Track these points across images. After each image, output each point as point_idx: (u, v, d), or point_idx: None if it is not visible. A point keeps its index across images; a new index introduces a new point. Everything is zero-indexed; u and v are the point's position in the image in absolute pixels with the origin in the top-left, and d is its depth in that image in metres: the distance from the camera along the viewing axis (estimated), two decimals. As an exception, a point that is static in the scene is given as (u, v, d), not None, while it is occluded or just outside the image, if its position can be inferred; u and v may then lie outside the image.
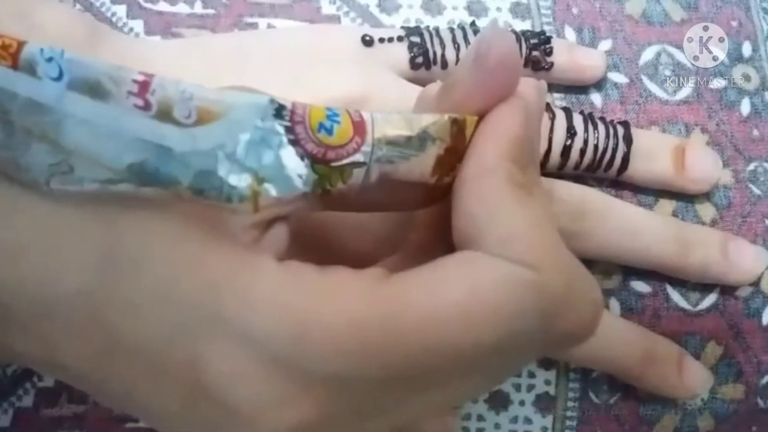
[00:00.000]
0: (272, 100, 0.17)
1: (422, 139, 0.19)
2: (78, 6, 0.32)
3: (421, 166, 0.19)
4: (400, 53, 0.31)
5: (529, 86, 0.20)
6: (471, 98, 0.20)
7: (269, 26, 0.33)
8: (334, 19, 0.33)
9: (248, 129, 0.16)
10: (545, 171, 0.31)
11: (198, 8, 0.33)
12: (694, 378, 0.30)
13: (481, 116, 0.20)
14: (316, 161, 0.17)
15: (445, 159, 0.19)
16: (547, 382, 0.31)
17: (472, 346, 0.17)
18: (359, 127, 0.18)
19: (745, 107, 0.34)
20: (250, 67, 0.29)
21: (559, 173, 0.31)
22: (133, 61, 0.28)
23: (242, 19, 0.33)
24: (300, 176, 0.17)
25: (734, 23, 0.35)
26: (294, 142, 0.17)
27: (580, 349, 0.29)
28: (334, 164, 0.18)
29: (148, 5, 0.32)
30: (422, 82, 0.31)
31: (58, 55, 0.15)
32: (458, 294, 0.17)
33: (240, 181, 0.17)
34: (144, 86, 0.16)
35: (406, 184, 0.19)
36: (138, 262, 0.17)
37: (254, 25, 0.33)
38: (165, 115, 0.16)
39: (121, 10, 0.32)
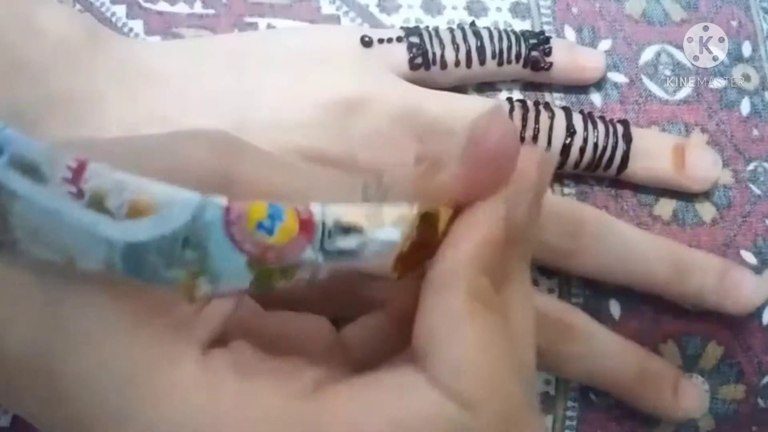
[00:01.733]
0: (205, 198, 0.16)
1: (382, 238, 0.18)
2: (78, 6, 0.32)
3: (381, 262, 0.18)
4: (400, 54, 0.31)
5: (530, 163, 0.19)
6: (457, 183, 0.18)
7: (269, 26, 0.33)
8: (334, 19, 0.33)
9: (181, 226, 0.16)
10: (545, 171, 0.31)
11: (198, 8, 0.33)
12: (689, 399, 0.30)
13: (458, 208, 0.18)
14: (253, 261, 0.17)
15: (409, 255, 0.18)
16: (547, 382, 0.31)
17: None
18: (306, 224, 0.17)
19: (745, 107, 0.34)
20: (249, 68, 0.29)
21: (559, 172, 0.32)
22: (134, 63, 0.28)
23: (242, 19, 0.33)
24: (237, 274, 0.17)
25: (734, 23, 0.35)
26: (229, 242, 0.16)
27: (574, 365, 0.29)
28: (274, 265, 0.17)
29: (148, 5, 0.32)
30: (422, 83, 0.31)
31: None
32: (379, 426, 0.17)
33: (175, 275, 0.16)
34: (78, 173, 0.16)
35: (365, 276, 0.18)
36: (72, 341, 0.17)
37: (254, 25, 0.33)
38: (97, 204, 0.16)
39: (120, 10, 0.32)
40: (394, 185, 0.20)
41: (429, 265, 0.18)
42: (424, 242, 0.18)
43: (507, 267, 0.19)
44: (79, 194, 0.16)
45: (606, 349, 0.29)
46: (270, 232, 0.17)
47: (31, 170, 0.15)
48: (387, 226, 0.18)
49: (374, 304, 0.22)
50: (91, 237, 0.16)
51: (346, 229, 0.17)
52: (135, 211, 0.16)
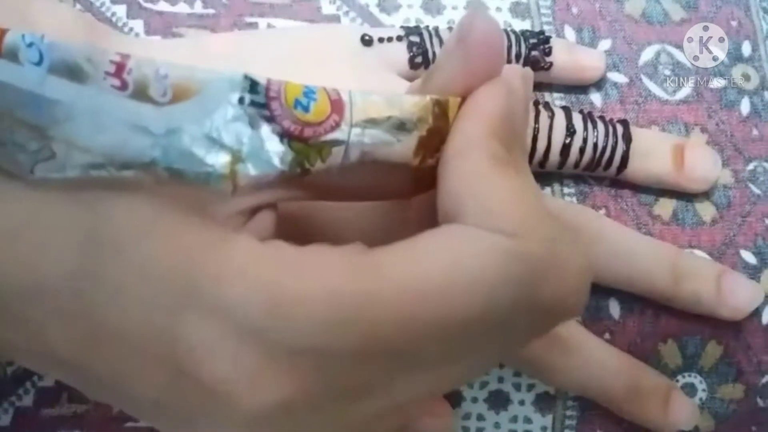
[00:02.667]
0: (246, 76, 0.17)
1: (403, 120, 0.19)
2: (78, 6, 0.32)
3: (403, 146, 0.19)
4: (400, 53, 0.31)
5: (514, 72, 0.20)
6: (454, 80, 0.19)
7: (269, 26, 0.33)
8: (334, 18, 0.33)
9: (223, 105, 0.16)
10: (545, 170, 0.31)
11: (198, 8, 0.33)
12: (680, 413, 0.30)
13: (464, 98, 0.20)
14: (293, 138, 0.17)
15: (428, 140, 0.19)
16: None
17: (452, 317, 0.17)
18: (337, 104, 0.18)
19: (745, 107, 0.34)
20: (249, 67, 0.29)
21: (559, 172, 0.32)
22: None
23: (242, 19, 0.33)
24: (277, 154, 0.17)
25: (734, 23, 0.35)
26: (270, 119, 0.17)
27: (564, 376, 0.29)
28: (311, 141, 0.17)
29: (148, 5, 0.32)
30: (422, 82, 0.31)
31: (39, 39, 0.16)
32: (438, 265, 0.17)
33: (217, 159, 0.17)
34: (121, 66, 0.16)
35: (389, 166, 0.19)
36: (118, 244, 0.17)
37: (254, 25, 0.33)
38: (141, 94, 0.16)
39: (121, 10, 0.32)
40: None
41: (444, 147, 0.19)
42: (440, 129, 0.19)
43: (512, 151, 0.19)
44: (123, 86, 0.16)
45: (596, 363, 0.29)
46: (306, 109, 0.17)
47: (73, 72, 0.16)
48: (407, 111, 0.19)
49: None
50: (135, 130, 0.16)
51: (371, 114, 0.18)
52: (178, 95, 0.16)
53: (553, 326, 0.19)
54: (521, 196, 0.18)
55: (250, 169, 0.17)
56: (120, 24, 0.32)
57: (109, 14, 0.32)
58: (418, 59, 0.31)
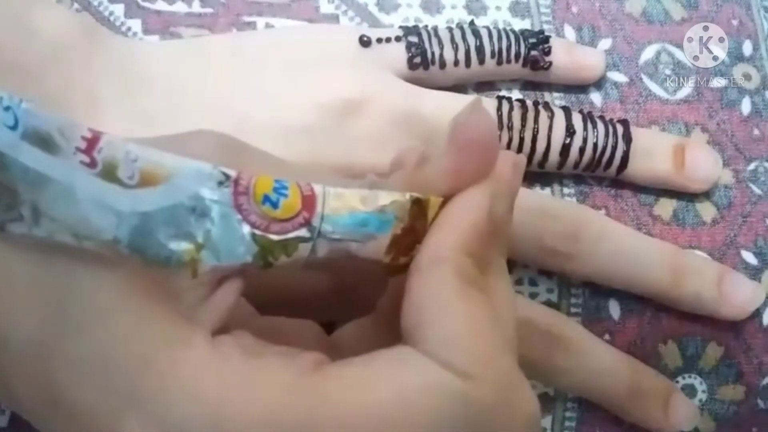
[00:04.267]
0: (215, 168, 0.17)
1: (377, 218, 0.18)
2: (75, 5, 0.32)
3: (375, 244, 0.18)
4: (398, 53, 0.30)
5: (506, 164, 0.20)
6: (442, 177, 0.19)
7: (267, 25, 0.33)
8: (333, 18, 0.33)
9: (190, 196, 0.17)
10: (545, 171, 0.31)
11: (196, 7, 0.33)
12: (680, 414, 0.30)
13: (447, 198, 0.19)
14: (258, 233, 0.17)
15: (402, 239, 0.19)
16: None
17: None
18: (308, 201, 0.18)
19: (746, 106, 0.34)
20: (248, 69, 0.29)
21: (559, 172, 0.31)
22: (130, 63, 0.28)
23: (240, 18, 0.33)
24: (240, 247, 0.17)
25: (735, 22, 0.35)
26: (236, 213, 0.17)
27: (563, 378, 0.29)
28: (276, 238, 0.17)
29: (146, 4, 0.32)
30: (421, 82, 0.31)
31: (16, 104, 0.16)
32: (383, 396, 0.17)
33: (179, 246, 0.17)
34: (92, 143, 0.16)
35: (360, 260, 0.19)
36: (81, 323, 0.17)
37: (252, 24, 0.33)
38: (109, 174, 0.16)
39: (118, 9, 0.32)
40: (385, 184, 0.20)
41: (418, 250, 0.19)
42: (416, 228, 0.19)
43: (488, 257, 0.19)
44: (92, 164, 0.16)
45: (597, 364, 0.29)
46: (275, 205, 0.17)
47: (45, 142, 0.16)
48: (382, 209, 0.18)
49: (363, 310, 0.22)
50: (101, 208, 0.16)
51: (344, 211, 0.18)
52: (146, 181, 0.16)
53: None
54: (481, 328, 0.18)
55: (212, 260, 0.17)
56: (118, 23, 0.32)
57: (106, 13, 0.32)
58: (417, 59, 0.30)
